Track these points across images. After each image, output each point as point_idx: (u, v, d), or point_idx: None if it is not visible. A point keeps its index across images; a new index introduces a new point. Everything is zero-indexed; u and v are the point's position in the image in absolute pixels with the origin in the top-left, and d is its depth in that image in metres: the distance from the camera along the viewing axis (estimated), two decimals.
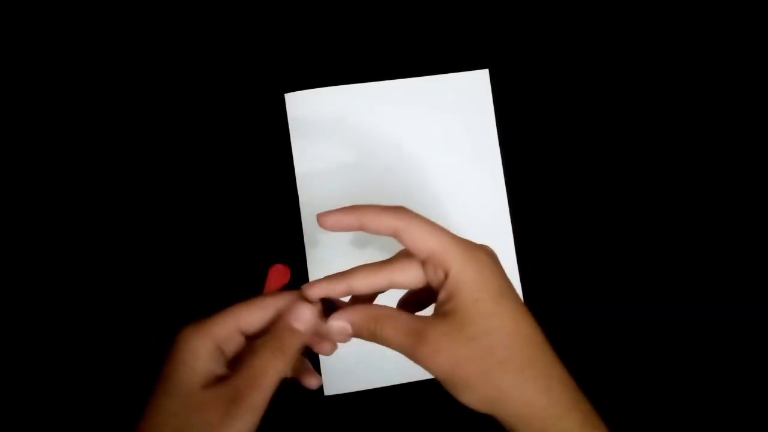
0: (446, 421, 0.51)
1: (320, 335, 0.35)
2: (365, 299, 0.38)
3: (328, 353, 0.36)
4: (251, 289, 0.52)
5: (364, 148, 0.54)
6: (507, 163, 0.54)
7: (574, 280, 0.53)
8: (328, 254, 0.52)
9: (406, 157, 0.54)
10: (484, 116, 0.55)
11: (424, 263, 0.34)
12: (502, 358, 0.32)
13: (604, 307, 0.53)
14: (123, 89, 0.53)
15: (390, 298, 0.38)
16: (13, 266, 0.51)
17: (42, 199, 0.52)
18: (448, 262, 0.33)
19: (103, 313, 0.51)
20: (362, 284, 0.35)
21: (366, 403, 0.51)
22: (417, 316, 0.34)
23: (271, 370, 0.32)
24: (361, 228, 0.35)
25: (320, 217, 0.35)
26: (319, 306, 0.35)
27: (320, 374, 0.51)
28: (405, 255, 0.35)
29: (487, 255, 0.34)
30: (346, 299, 0.38)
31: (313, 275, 0.52)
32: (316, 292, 0.34)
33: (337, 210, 0.35)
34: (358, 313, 0.34)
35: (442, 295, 0.33)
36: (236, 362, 0.34)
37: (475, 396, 0.32)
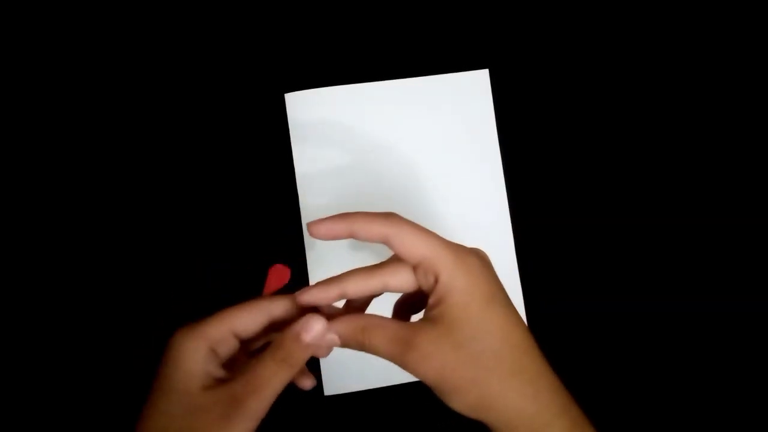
0: (445, 422, 0.51)
1: (301, 370, 0.36)
2: (359, 304, 0.38)
3: (309, 387, 0.37)
4: (251, 289, 0.52)
5: (364, 148, 0.54)
6: (507, 163, 0.54)
7: (574, 280, 0.53)
8: (328, 254, 0.52)
9: (406, 157, 0.54)
10: (484, 116, 0.55)
11: (415, 268, 0.34)
12: (491, 364, 0.32)
13: (604, 307, 0.53)
14: (123, 89, 0.53)
15: (386, 304, 0.38)
16: (13, 266, 0.51)
17: (42, 199, 0.52)
18: (437, 267, 0.33)
19: (103, 313, 0.51)
20: (355, 289, 0.34)
21: (365, 403, 0.51)
22: (405, 323, 0.34)
23: (274, 380, 0.32)
24: (351, 235, 0.35)
25: (310, 226, 0.35)
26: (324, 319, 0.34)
27: (320, 374, 0.51)
28: (397, 259, 0.35)
29: (479, 259, 0.34)
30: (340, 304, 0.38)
31: (312, 275, 0.52)
32: (309, 298, 0.34)
33: (327, 218, 0.35)
34: (345, 324, 0.34)
35: (431, 300, 0.33)
36: (231, 365, 0.34)
37: (463, 402, 0.32)
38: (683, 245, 0.54)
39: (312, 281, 0.52)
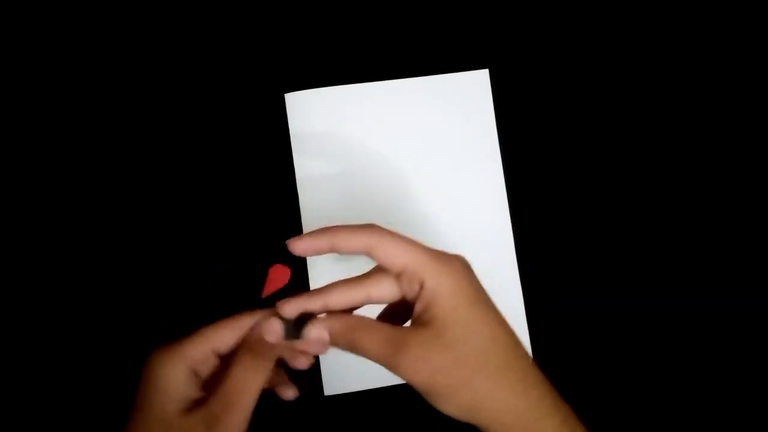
0: (445, 422, 0.51)
1: (295, 350, 0.35)
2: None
3: (304, 367, 0.36)
4: (251, 289, 0.52)
5: (363, 148, 0.54)
6: (507, 163, 0.54)
7: (574, 280, 0.53)
8: (328, 255, 0.52)
9: (405, 157, 0.54)
10: (484, 116, 0.55)
11: (398, 277, 0.34)
12: (479, 363, 0.32)
13: (604, 307, 0.53)
14: (123, 89, 0.53)
15: (370, 313, 0.37)
16: (13, 266, 0.51)
17: (42, 199, 0.52)
18: (421, 274, 0.33)
19: (103, 313, 0.51)
20: (338, 300, 0.35)
21: (365, 403, 0.51)
22: (395, 327, 0.34)
23: (247, 388, 0.32)
24: (333, 250, 0.35)
25: (290, 244, 0.35)
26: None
27: (320, 374, 0.51)
28: (380, 270, 0.35)
29: (461, 264, 0.34)
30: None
31: (312, 275, 0.52)
32: (291, 309, 0.34)
33: (307, 235, 0.35)
34: (337, 322, 0.34)
35: (418, 307, 0.33)
36: (210, 382, 0.34)
37: (454, 404, 0.32)
38: (683, 245, 0.54)
39: (312, 281, 0.52)
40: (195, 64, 0.54)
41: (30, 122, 0.53)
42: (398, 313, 0.37)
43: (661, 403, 0.52)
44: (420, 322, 0.33)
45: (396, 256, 0.34)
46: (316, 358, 0.51)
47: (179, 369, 0.33)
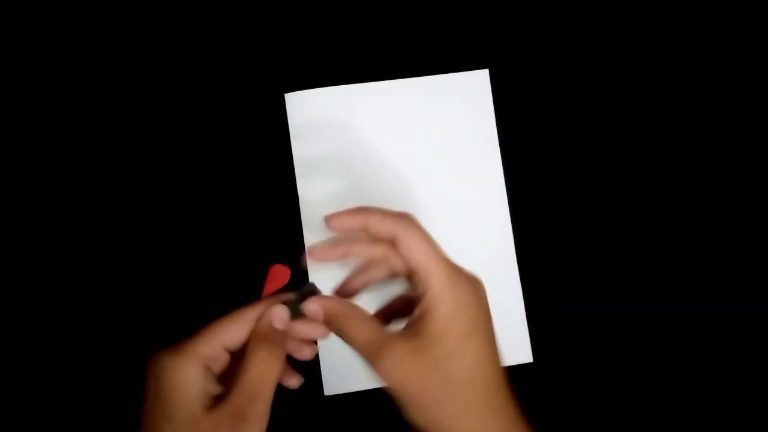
0: None
1: (298, 337, 0.36)
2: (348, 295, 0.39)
3: (308, 357, 0.37)
4: (251, 289, 0.52)
5: (363, 148, 0.54)
6: (507, 163, 0.54)
7: (574, 280, 0.53)
8: None
9: (406, 157, 0.54)
10: (484, 116, 0.55)
11: (411, 274, 0.35)
12: (455, 388, 0.32)
13: (604, 307, 0.53)
14: (123, 89, 0.53)
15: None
16: (12, 266, 0.51)
17: (42, 199, 0.52)
18: (429, 280, 0.33)
19: (103, 313, 0.51)
20: (360, 250, 0.37)
21: (365, 403, 0.51)
22: (385, 329, 0.34)
23: (267, 378, 0.33)
24: (364, 228, 0.36)
25: (328, 219, 0.36)
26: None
27: (320, 374, 0.51)
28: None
29: (471, 285, 0.34)
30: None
31: (313, 275, 0.52)
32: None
33: (344, 211, 0.36)
34: (333, 303, 0.35)
35: (416, 312, 0.34)
36: (224, 378, 0.34)
37: (422, 418, 0.32)
38: (683, 245, 0.54)
39: (311, 281, 0.52)
40: (195, 64, 0.54)
41: (30, 123, 0.53)
42: (401, 310, 0.37)
43: (661, 403, 0.52)
44: (410, 330, 0.33)
45: (415, 251, 0.34)
46: (316, 359, 0.51)
47: (194, 368, 0.33)
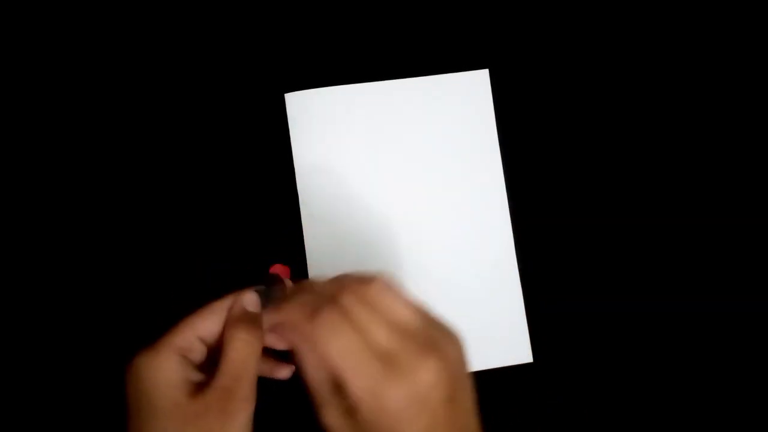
0: None
1: (273, 363, 0.37)
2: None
3: (286, 376, 0.38)
4: None
5: (364, 148, 0.54)
6: (507, 163, 0.54)
7: (574, 280, 0.53)
8: (328, 254, 0.52)
9: (405, 157, 0.54)
10: (484, 116, 0.55)
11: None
12: None
13: (604, 307, 0.53)
14: (123, 89, 0.53)
15: None
16: (12, 266, 0.51)
17: (42, 199, 0.52)
18: (348, 387, 0.31)
19: (103, 313, 0.51)
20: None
21: None
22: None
23: (248, 357, 0.33)
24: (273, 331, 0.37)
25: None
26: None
27: None
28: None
29: (403, 386, 0.30)
30: None
31: (313, 275, 0.52)
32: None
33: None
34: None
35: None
36: (205, 369, 0.34)
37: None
38: (683, 245, 0.54)
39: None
40: (195, 65, 0.54)
41: (30, 123, 0.53)
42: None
43: (661, 403, 0.52)
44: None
45: (329, 362, 0.32)
46: None
47: (170, 357, 0.33)
